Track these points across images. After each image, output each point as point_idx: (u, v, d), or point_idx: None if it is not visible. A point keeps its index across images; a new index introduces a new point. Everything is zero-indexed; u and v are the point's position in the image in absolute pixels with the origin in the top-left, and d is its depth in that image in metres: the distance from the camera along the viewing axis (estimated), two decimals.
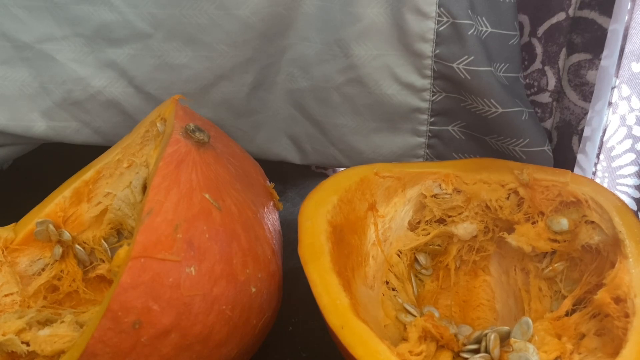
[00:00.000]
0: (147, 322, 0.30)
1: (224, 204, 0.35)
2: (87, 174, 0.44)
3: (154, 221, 0.32)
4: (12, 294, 0.40)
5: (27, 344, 0.35)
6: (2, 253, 0.41)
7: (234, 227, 0.35)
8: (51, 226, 0.42)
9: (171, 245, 0.31)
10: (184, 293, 0.31)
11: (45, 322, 0.37)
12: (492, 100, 0.47)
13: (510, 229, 0.44)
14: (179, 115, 0.39)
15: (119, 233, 0.45)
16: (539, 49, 0.50)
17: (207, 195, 0.35)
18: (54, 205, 0.43)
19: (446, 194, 0.46)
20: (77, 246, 0.43)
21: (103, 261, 0.44)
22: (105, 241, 0.44)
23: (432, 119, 0.52)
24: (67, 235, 0.42)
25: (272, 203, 0.43)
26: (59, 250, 0.42)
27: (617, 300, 0.35)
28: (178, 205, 0.33)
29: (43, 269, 0.42)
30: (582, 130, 0.49)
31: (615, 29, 0.44)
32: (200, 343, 0.32)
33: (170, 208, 0.32)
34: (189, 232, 0.32)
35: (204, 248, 0.33)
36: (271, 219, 0.41)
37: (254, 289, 0.35)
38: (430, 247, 0.46)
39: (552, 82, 0.50)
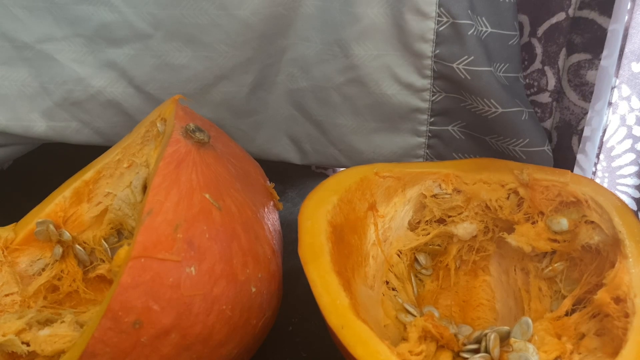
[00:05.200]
0: (147, 322, 0.30)
1: (224, 204, 0.35)
2: (87, 174, 0.44)
3: (154, 221, 0.32)
4: (12, 294, 0.40)
5: (27, 344, 0.35)
6: (2, 253, 0.41)
7: (234, 227, 0.35)
8: (51, 226, 0.42)
9: (171, 245, 0.31)
10: (184, 293, 0.31)
11: (45, 322, 0.37)
12: (492, 100, 0.47)
13: (510, 229, 0.44)
14: (179, 116, 0.39)
15: (119, 233, 0.45)
16: (538, 49, 0.50)
17: (207, 195, 0.35)
18: (54, 205, 0.43)
19: (446, 194, 0.46)
20: (77, 246, 0.43)
21: (103, 261, 0.44)
22: (105, 241, 0.44)
23: (432, 119, 0.52)
24: (67, 235, 0.42)
25: (272, 203, 0.43)
26: (59, 250, 0.42)
27: (617, 300, 0.35)
28: (178, 205, 0.33)
29: (43, 269, 0.42)
30: (582, 130, 0.49)
31: (615, 29, 0.44)
32: (200, 343, 0.32)
33: (170, 208, 0.33)
34: (189, 232, 0.32)
35: (204, 248, 0.33)
36: (271, 219, 0.41)
37: (254, 289, 0.35)
38: (430, 247, 0.46)
39: (552, 82, 0.50)
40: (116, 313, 0.29)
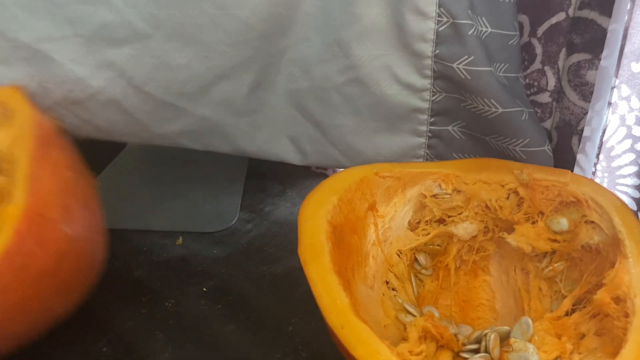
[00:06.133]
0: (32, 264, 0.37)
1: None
2: None
3: (39, 184, 0.39)
4: None
5: None
6: None
7: (88, 199, 0.44)
8: None
9: (53, 206, 0.39)
10: (61, 246, 0.39)
11: None
12: (492, 100, 0.47)
13: (510, 229, 0.44)
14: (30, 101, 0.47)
15: None
16: (538, 49, 0.50)
17: (70, 172, 0.43)
18: None
19: (446, 194, 0.46)
20: None
21: None
22: None
23: (432, 119, 0.52)
24: None
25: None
26: None
27: (617, 300, 0.35)
28: (54, 176, 0.40)
29: None
30: (582, 130, 0.49)
31: (615, 29, 0.44)
32: (66, 285, 0.41)
33: (48, 176, 0.40)
34: (64, 198, 0.40)
35: (73, 213, 0.41)
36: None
37: (94, 249, 0.44)
38: (430, 247, 0.46)
39: (552, 82, 0.50)
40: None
